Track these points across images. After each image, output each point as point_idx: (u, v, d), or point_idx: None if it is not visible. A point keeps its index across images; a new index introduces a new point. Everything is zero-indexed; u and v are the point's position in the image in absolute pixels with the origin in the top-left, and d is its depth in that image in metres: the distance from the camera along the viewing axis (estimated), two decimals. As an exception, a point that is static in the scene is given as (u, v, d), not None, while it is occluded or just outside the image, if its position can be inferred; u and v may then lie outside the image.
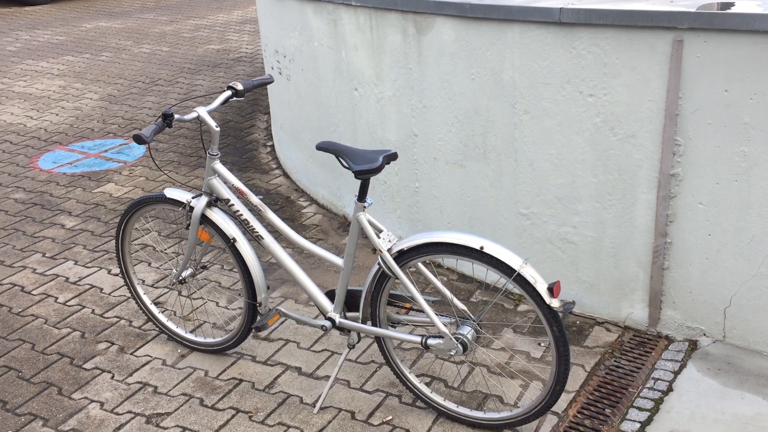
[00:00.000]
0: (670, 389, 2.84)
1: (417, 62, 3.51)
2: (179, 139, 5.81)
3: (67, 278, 3.84)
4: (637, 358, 3.06)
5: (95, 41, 9.26)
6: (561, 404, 2.81)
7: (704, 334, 3.09)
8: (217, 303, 3.59)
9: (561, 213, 3.24)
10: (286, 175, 5.12)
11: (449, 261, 3.81)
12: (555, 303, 2.37)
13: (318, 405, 2.84)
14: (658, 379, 2.92)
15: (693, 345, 3.08)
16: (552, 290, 2.36)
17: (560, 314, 2.55)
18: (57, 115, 6.46)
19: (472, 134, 3.41)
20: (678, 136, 2.85)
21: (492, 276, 3.57)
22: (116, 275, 3.85)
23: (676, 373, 2.93)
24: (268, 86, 5.35)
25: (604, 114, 2.97)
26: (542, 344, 3.17)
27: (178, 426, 2.80)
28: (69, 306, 3.59)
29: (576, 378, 2.96)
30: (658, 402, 2.79)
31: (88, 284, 3.78)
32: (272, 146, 5.62)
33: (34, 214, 4.59)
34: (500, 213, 3.45)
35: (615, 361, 3.05)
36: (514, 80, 3.16)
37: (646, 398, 2.82)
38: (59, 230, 4.37)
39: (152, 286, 3.74)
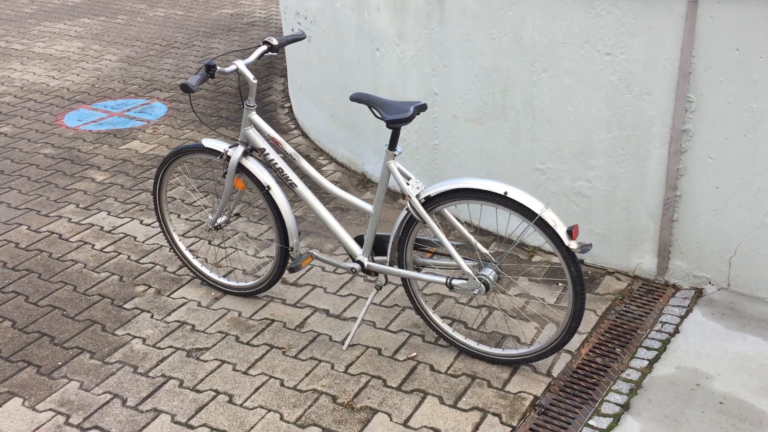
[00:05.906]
0: (676, 331, 3.04)
1: (439, 23, 3.65)
2: (199, 100, 5.96)
3: (102, 227, 4.03)
4: (645, 304, 3.25)
5: (110, 4, 9.34)
6: (574, 344, 3.01)
7: (710, 283, 3.27)
8: (245, 252, 3.78)
9: (576, 168, 3.41)
10: (305, 135, 5.28)
11: (466, 216, 3.98)
12: (573, 245, 2.55)
13: (347, 342, 3.04)
14: (665, 322, 3.11)
15: (699, 293, 3.26)
16: (571, 233, 2.54)
17: (577, 255, 2.73)
18: (78, 75, 6.60)
19: (492, 92, 3.56)
20: (690, 93, 3.00)
21: (509, 227, 3.74)
22: (148, 225, 4.03)
23: (683, 318, 3.12)
24: (286, 49, 5.48)
25: (620, 72, 3.12)
26: (560, 284, 3.36)
27: (217, 359, 3.00)
28: (105, 252, 3.78)
29: (588, 321, 3.15)
30: (666, 342, 2.98)
31: (122, 233, 3.96)
32: (290, 107, 5.76)
33: (65, 168, 4.76)
34: (517, 168, 3.62)
35: (625, 307, 3.24)
36: (534, 40, 3.31)
37: (654, 339, 3.02)
38: (90, 183, 4.55)
39: (183, 236, 3.92)
